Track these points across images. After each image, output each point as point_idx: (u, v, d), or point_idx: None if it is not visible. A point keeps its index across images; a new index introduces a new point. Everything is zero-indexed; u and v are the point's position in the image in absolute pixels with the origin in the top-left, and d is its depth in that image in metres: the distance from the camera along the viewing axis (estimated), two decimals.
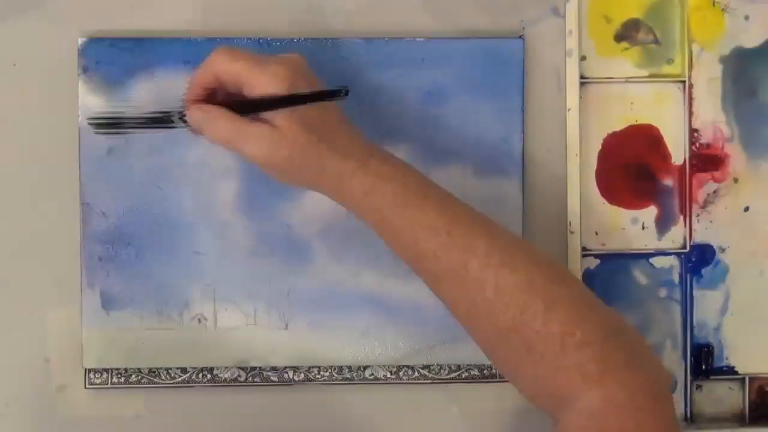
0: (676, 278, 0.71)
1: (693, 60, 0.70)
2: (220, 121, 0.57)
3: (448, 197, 0.60)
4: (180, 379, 0.68)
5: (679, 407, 0.70)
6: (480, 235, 0.58)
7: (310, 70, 0.60)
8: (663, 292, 0.71)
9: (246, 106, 0.57)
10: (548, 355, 0.56)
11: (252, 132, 0.57)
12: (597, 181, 0.70)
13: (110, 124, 0.62)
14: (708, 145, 0.71)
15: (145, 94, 0.67)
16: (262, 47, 0.67)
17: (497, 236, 0.59)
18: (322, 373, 0.68)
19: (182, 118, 0.59)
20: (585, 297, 0.59)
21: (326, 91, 0.58)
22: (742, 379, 0.71)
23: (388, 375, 0.69)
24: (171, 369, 0.68)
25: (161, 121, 0.60)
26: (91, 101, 0.66)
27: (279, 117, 0.57)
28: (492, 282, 0.57)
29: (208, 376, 0.68)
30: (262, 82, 0.57)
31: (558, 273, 0.59)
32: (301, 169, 0.58)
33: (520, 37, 0.69)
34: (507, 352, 0.58)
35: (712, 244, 0.71)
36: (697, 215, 0.71)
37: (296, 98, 0.57)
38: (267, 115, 0.57)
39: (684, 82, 0.70)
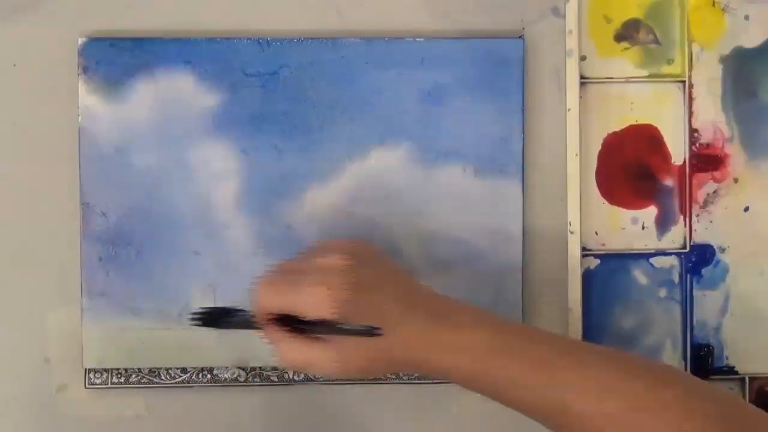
0: (676, 278, 0.71)
1: (693, 60, 0.70)
2: (286, 348, 0.57)
3: (525, 340, 0.58)
4: (180, 379, 0.68)
5: None
6: (569, 369, 0.56)
7: (358, 266, 0.57)
8: (663, 292, 0.71)
9: (303, 328, 0.57)
10: None
11: (316, 355, 0.56)
12: (597, 181, 0.70)
13: (208, 321, 0.61)
14: (708, 145, 0.71)
15: (145, 94, 0.67)
16: (262, 47, 0.67)
17: (588, 363, 0.57)
18: None
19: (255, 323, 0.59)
20: (692, 390, 0.57)
21: (363, 329, 0.55)
22: (742, 379, 0.71)
23: (388, 375, 0.69)
24: (171, 369, 0.68)
25: (247, 324, 0.59)
26: (91, 101, 0.66)
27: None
28: (595, 412, 0.55)
29: (208, 376, 0.68)
30: (306, 310, 0.56)
31: (660, 377, 0.57)
32: (373, 369, 0.58)
33: (520, 37, 0.69)
34: None
35: (712, 244, 0.71)
36: (697, 215, 0.71)
37: (337, 329, 0.55)
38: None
39: (684, 82, 0.70)
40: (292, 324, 0.57)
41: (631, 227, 0.71)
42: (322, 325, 0.55)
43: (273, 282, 0.57)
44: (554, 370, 0.56)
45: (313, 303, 0.55)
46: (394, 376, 0.69)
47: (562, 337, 0.60)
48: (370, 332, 0.54)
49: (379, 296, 0.57)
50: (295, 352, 0.57)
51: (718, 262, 0.71)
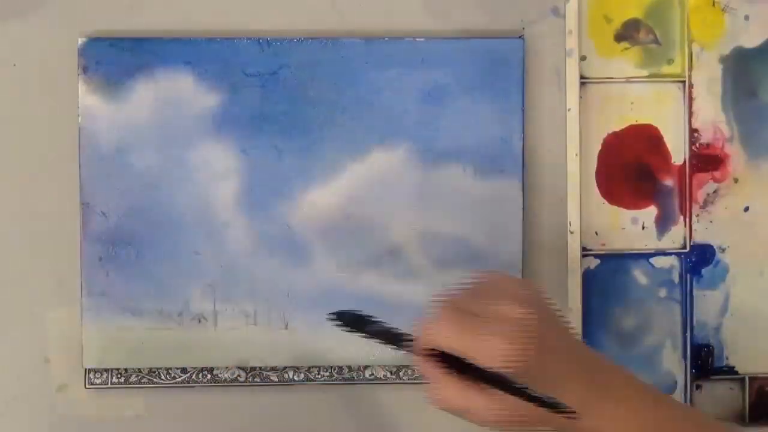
0: (676, 278, 0.71)
1: (693, 60, 0.70)
2: (444, 387, 0.54)
3: (689, 423, 0.58)
4: (180, 379, 0.68)
5: None
6: None
7: (535, 321, 0.54)
8: (663, 292, 0.71)
9: (469, 371, 0.54)
10: None
11: (471, 403, 0.54)
12: (597, 181, 0.70)
13: (354, 326, 0.59)
14: (708, 145, 0.71)
15: (145, 94, 0.67)
16: (262, 47, 0.67)
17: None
18: (322, 373, 0.68)
19: (407, 347, 0.56)
20: None
21: (552, 402, 0.53)
22: (742, 379, 0.71)
23: (388, 375, 0.69)
24: (171, 369, 0.68)
25: (394, 340, 0.57)
26: (91, 101, 0.66)
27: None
28: None
29: (208, 376, 0.68)
30: (481, 358, 0.53)
31: None
32: (525, 426, 0.56)
33: (520, 37, 0.69)
34: None
35: (712, 244, 0.71)
36: (697, 215, 0.71)
37: (513, 389, 0.53)
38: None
39: (684, 82, 0.70)
40: (450, 360, 0.54)
41: (631, 227, 0.71)
42: (497, 379, 0.53)
43: (451, 321, 0.54)
44: None
45: (493, 355, 0.52)
46: (393, 376, 0.69)
47: (703, 414, 0.61)
48: (561, 409, 0.52)
49: (547, 355, 0.54)
50: (454, 394, 0.54)
51: (718, 262, 0.71)
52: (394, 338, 0.57)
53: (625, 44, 0.70)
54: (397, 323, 0.68)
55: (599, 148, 0.70)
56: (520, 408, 0.53)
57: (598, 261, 0.70)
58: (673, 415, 0.58)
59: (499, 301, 0.55)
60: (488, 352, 0.53)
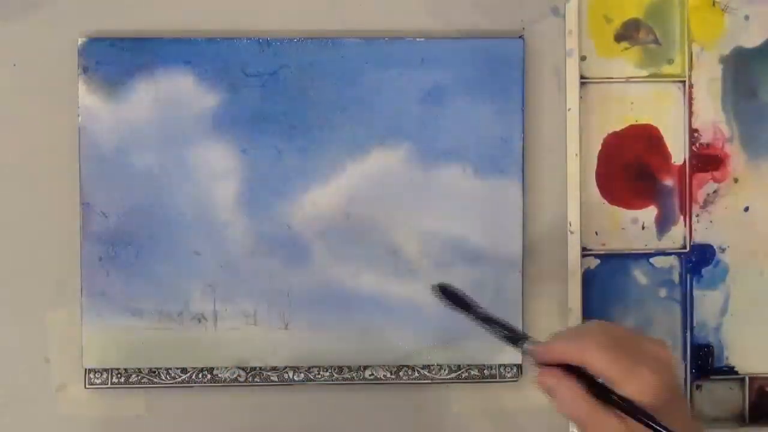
0: (676, 278, 0.71)
1: (693, 60, 0.70)
2: (577, 400, 0.56)
3: None
4: (180, 379, 0.68)
5: None
6: None
7: (677, 378, 0.57)
8: (663, 292, 0.71)
9: (602, 395, 0.55)
10: None
11: (605, 424, 0.55)
12: (597, 181, 0.70)
13: (458, 301, 0.59)
14: (708, 145, 0.71)
15: (145, 94, 0.67)
16: (262, 47, 0.67)
17: None
18: (322, 373, 0.68)
19: (523, 347, 0.57)
20: None
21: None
22: (742, 379, 0.71)
23: (388, 375, 0.69)
24: (171, 369, 0.68)
25: (511, 335, 0.58)
26: (91, 101, 0.66)
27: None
28: None
29: (208, 376, 0.68)
30: (629, 387, 0.55)
31: None
32: None
33: (520, 37, 0.69)
34: None
35: (712, 244, 0.71)
36: (697, 215, 0.71)
37: (648, 419, 0.54)
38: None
39: (684, 82, 0.70)
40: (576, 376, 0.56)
41: (631, 227, 0.71)
42: (631, 406, 0.54)
43: (607, 346, 0.56)
44: None
45: (640, 385, 0.54)
46: (393, 376, 0.69)
47: None
48: None
49: (676, 406, 0.56)
50: (583, 408, 0.56)
51: (718, 262, 0.71)
52: (512, 332, 0.58)
53: (625, 44, 0.70)
54: (398, 323, 0.68)
55: (599, 148, 0.70)
56: None
57: (598, 261, 0.70)
58: None
59: (651, 344, 0.57)
60: (639, 383, 0.54)
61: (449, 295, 0.60)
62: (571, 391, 0.56)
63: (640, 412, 0.55)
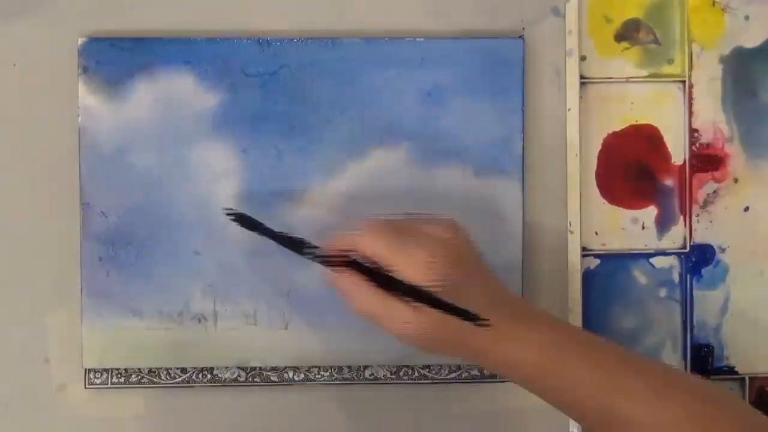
0: (676, 278, 0.71)
1: (693, 60, 0.70)
2: (363, 295, 0.57)
3: (594, 347, 0.58)
4: (180, 379, 0.68)
5: None
6: (634, 379, 0.56)
7: (459, 246, 0.58)
8: (663, 292, 0.71)
9: (385, 284, 0.57)
10: None
11: (393, 312, 0.56)
12: (597, 181, 0.70)
13: (248, 223, 0.61)
14: (708, 145, 0.71)
15: (145, 94, 0.67)
16: (262, 47, 0.67)
17: (651, 375, 0.57)
18: (322, 373, 0.68)
19: (310, 254, 0.59)
20: (745, 414, 0.57)
21: (466, 312, 0.55)
22: (742, 379, 0.71)
23: (388, 375, 0.69)
24: (171, 369, 0.68)
25: (293, 244, 0.60)
26: (91, 101, 0.66)
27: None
28: (652, 421, 0.55)
29: (208, 376, 0.68)
30: (402, 268, 0.56)
31: (715, 396, 0.57)
32: (441, 346, 0.58)
33: (520, 37, 0.69)
34: None
35: (712, 244, 0.71)
36: (697, 215, 0.71)
37: (435, 302, 0.55)
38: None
39: (684, 82, 0.70)
40: (366, 275, 0.57)
41: (631, 227, 0.71)
42: (412, 289, 0.55)
43: (380, 232, 0.57)
44: (615, 375, 0.57)
45: (415, 266, 0.56)
46: (393, 376, 0.69)
47: (623, 348, 0.60)
48: (474, 318, 0.55)
49: (469, 280, 0.57)
50: (375, 302, 0.57)
51: (718, 262, 0.71)
52: (293, 242, 0.60)
53: (625, 44, 0.70)
54: None
55: (599, 148, 0.70)
56: (436, 321, 0.56)
57: (598, 261, 0.70)
58: (594, 342, 0.59)
59: (426, 224, 0.58)
60: (412, 262, 0.56)
61: (237, 217, 0.61)
62: (357, 286, 0.57)
63: (421, 294, 0.55)
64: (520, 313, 0.59)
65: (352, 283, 0.58)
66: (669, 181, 0.71)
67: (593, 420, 0.58)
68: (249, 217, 0.61)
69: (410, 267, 0.56)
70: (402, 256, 0.56)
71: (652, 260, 0.71)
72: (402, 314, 0.56)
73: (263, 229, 0.61)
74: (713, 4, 0.70)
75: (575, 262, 0.69)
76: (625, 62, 0.70)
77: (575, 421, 0.59)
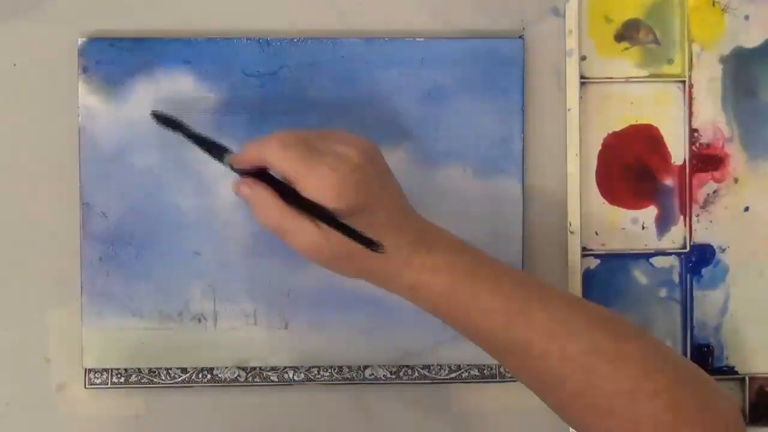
0: (676, 278, 0.71)
1: (693, 60, 0.70)
2: (268, 208, 0.56)
3: (499, 274, 0.58)
4: (180, 379, 0.68)
5: None
6: (537, 308, 0.57)
7: (370, 170, 0.57)
8: (663, 292, 0.71)
9: (292, 200, 0.56)
10: (619, 410, 0.55)
11: (298, 228, 0.56)
12: (597, 181, 0.70)
13: (171, 123, 0.60)
14: (708, 145, 0.71)
15: (145, 94, 0.67)
16: (262, 47, 0.67)
17: (556, 305, 0.57)
18: (322, 373, 0.68)
19: (226, 161, 0.58)
20: (652, 349, 0.57)
21: (363, 237, 0.55)
22: (742, 379, 0.71)
23: (388, 375, 0.69)
24: (171, 369, 0.68)
25: (213, 150, 0.59)
26: (91, 101, 0.66)
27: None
28: (556, 352, 0.56)
29: (208, 376, 0.68)
30: (309, 187, 0.55)
31: (623, 330, 0.58)
32: (345, 267, 0.58)
33: (520, 37, 0.69)
34: (577, 412, 0.57)
35: (712, 244, 0.71)
36: (697, 215, 0.71)
37: (337, 225, 0.55)
38: None
39: (684, 82, 0.70)
40: (275, 188, 0.56)
41: (631, 227, 0.71)
42: (317, 208, 0.55)
43: (289, 144, 0.56)
44: (524, 305, 0.57)
45: (319, 183, 0.54)
46: (393, 376, 0.69)
47: (537, 280, 0.60)
48: (369, 243, 0.54)
49: (376, 205, 0.56)
50: (275, 215, 0.56)
51: (718, 262, 0.71)
52: (215, 147, 0.58)
53: (625, 44, 0.70)
54: (398, 323, 0.68)
55: (599, 148, 0.70)
56: (341, 242, 0.55)
57: (598, 261, 0.70)
58: (504, 271, 0.58)
59: (340, 143, 0.57)
60: (318, 182, 0.54)
61: (161, 118, 0.59)
62: (263, 197, 0.56)
63: (325, 214, 0.54)
64: (425, 237, 0.58)
65: (254, 192, 0.57)
66: (669, 181, 0.71)
67: (497, 348, 0.58)
68: (172, 118, 0.59)
69: (318, 188, 0.54)
70: (313, 177, 0.55)
71: (652, 260, 0.71)
72: (307, 232, 0.55)
73: (186, 131, 0.59)
74: (713, 4, 0.70)
75: (575, 262, 0.69)
76: (625, 62, 0.70)
77: (483, 349, 0.58)
